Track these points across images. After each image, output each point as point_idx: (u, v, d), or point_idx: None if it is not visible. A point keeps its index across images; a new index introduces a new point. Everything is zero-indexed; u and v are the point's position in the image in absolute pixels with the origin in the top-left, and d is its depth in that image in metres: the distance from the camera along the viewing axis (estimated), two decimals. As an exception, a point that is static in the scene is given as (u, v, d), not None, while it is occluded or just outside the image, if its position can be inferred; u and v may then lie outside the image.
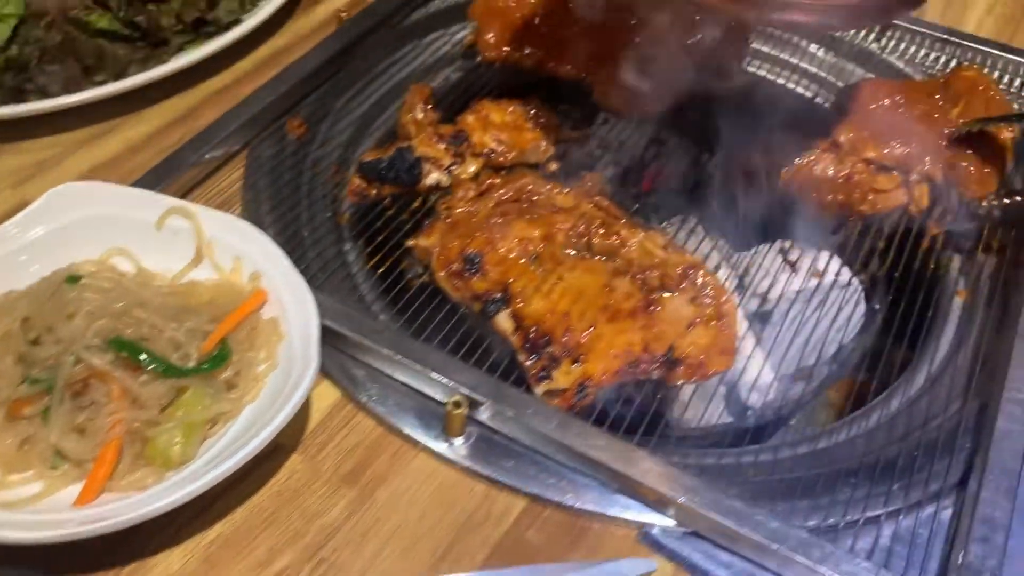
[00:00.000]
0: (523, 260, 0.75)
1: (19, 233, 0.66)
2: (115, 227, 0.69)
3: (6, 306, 0.61)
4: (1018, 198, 0.82)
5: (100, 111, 0.89)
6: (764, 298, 0.84)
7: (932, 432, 0.68)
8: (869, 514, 0.62)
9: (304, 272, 0.76)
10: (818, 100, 1.00)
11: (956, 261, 0.86)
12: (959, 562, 0.58)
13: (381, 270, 0.79)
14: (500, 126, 0.87)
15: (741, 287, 0.85)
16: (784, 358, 0.80)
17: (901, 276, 0.83)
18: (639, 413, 0.70)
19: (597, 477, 0.63)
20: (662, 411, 0.79)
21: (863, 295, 0.85)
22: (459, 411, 0.63)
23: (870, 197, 0.82)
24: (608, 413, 0.69)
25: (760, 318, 0.85)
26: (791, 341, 0.79)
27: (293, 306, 0.64)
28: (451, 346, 0.71)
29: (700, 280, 0.72)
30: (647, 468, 0.61)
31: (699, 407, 0.79)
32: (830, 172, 0.81)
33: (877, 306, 0.91)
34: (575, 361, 0.68)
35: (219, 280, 0.68)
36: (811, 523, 0.62)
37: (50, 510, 0.55)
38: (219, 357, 0.61)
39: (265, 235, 0.68)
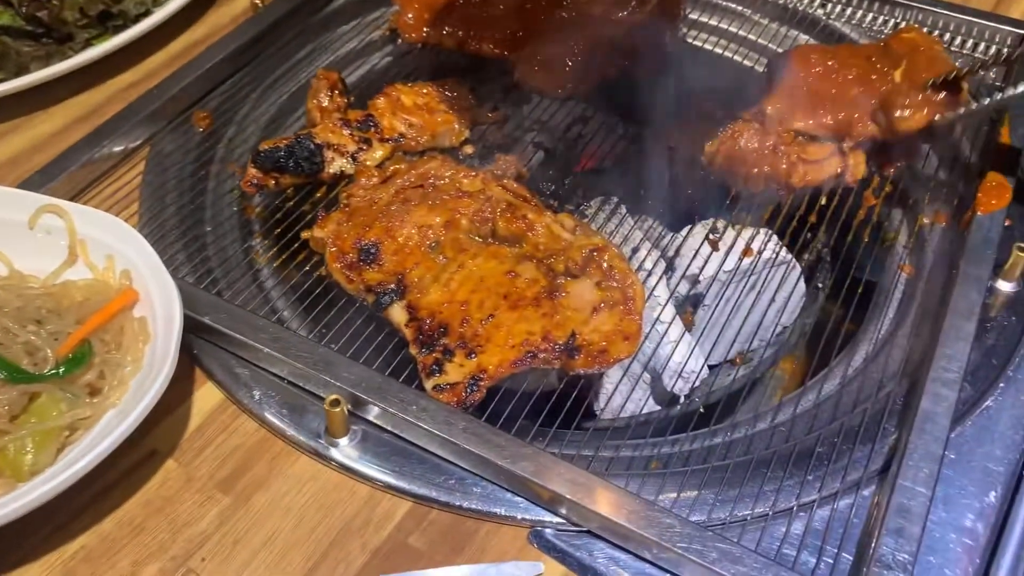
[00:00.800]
0: (423, 248, 0.71)
1: None
2: (-15, 228, 0.66)
3: None
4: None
5: (2, 110, 0.86)
6: (695, 280, 0.80)
7: (857, 417, 0.63)
8: (780, 507, 0.58)
9: (203, 272, 0.73)
10: (757, 69, 0.95)
11: (902, 236, 0.81)
12: (870, 554, 0.53)
13: (277, 264, 0.75)
14: (411, 109, 0.83)
15: (671, 269, 0.81)
16: (717, 342, 0.75)
17: (845, 253, 0.78)
18: (557, 405, 0.66)
19: (485, 476, 0.59)
20: (583, 400, 0.75)
21: (802, 274, 0.81)
22: (337, 410, 0.59)
23: (800, 169, 0.77)
24: (512, 408, 0.64)
25: (692, 301, 0.81)
26: (725, 324, 0.75)
27: (162, 304, 0.61)
28: (343, 343, 0.67)
29: (606, 263, 0.67)
30: (537, 464, 0.57)
31: (622, 395, 0.74)
32: (755, 144, 0.77)
33: (820, 285, 0.86)
34: (470, 353, 0.64)
35: (92, 280, 0.64)
36: (718, 517, 0.57)
37: None
38: (75, 360, 0.57)
39: (136, 232, 0.64)
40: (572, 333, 0.65)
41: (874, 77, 0.80)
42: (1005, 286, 0.72)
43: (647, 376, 0.77)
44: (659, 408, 0.78)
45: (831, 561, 0.55)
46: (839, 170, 0.78)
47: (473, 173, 0.75)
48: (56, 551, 0.56)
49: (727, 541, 0.53)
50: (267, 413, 0.63)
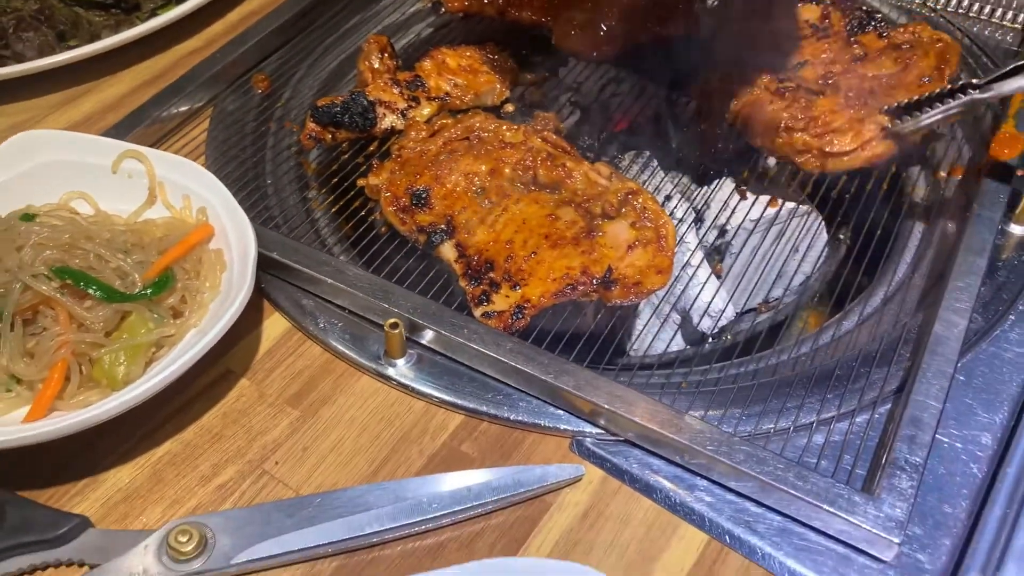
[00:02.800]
0: (469, 194, 0.76)
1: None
2: (73, 172, 0.72)
3: (-38, 241, 0.64)
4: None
5: (74, 75, 0.93)
6: (722, 230, 0.85)
7: (874, 345, 0.68)
8: (802, 422, 0.63)
9: (266, 217, 0.79)
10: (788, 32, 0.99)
11: (920, 188, 0.85)
12: (884, 459, 0.58)
13: (334, 210, 0.81)
14: (456, 70, 0.89)
15: (700, 221, 0.86)
16: (743, 287, 0.80)
17: (864, 203, 0.82)
18: (589, 345, 0.71)
19: (530, 392, 0.65)
20: (615, 339, 0.80)
21: (823, 225, 0.85)
22: (396, 332, 0.65)
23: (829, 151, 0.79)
24: (547, 347, 0.70)
25: (719, 250, 0.86)
26: (751, 271, 0.79)
27: (236, 237, 0.67)
28: (399, 278, 0.73)
29: (640, 205, 0.73)
30: (578, 379, 0.63)
31: (652, 334, 0.80)
32: (783, 114, 0.80)
33: (841, 235, 0.90)
34: (514, 286, 0.70)
35: (170, 218, 0.71)
36: (744, 430, 0.62)
37: (3, 426, 0.59)
38: (161, 283, 0.63)
39: (211, 174, 0.70)
40: (608, 268, 0.70)
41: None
42: (1017, 229, 0.76)
43: (676, 316, 0.82)
44: (687, 347, 0.83)
45: (848, 468, 0.60)
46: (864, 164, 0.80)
47: (515, 127, 0.81)
48: (145, 455, 0.62)
49: (754, 445, 0.58)
50: (330, 339, 0.69)
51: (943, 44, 0.84)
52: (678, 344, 0.82)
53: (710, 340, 0.81)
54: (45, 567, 0.56)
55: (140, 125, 0.84)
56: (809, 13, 0.90)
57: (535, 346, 0.65)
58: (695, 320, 0.80)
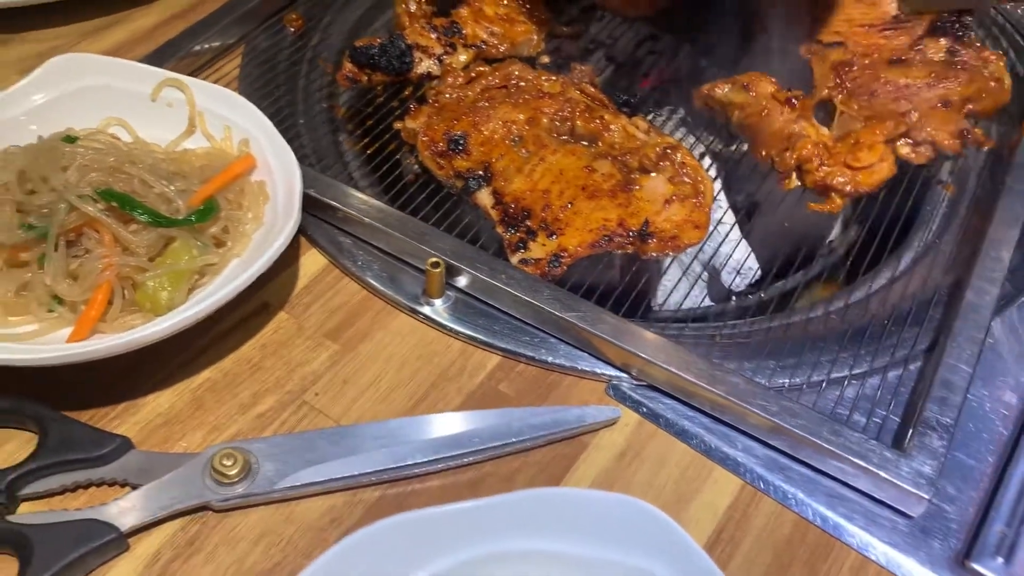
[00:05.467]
0: (507, 141, 0.76)
1: (22, 99, 0.69)
2: (112, 98, 0.71)
3: (4, 159, 0.64)
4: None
5: (106, 3, 0.92)
6: (753, 191, 0.85)
7: (905, 304, 0.69)
8: (835, 376, 0.64)
9: (300, 156, 0.78)
10: None
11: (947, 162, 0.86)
12: (915, 418, 0.59)
13: (370, 151, 0.81)
14: (492, 18, 0.88)
15: (729, 181, 0.86)
16: (767, 247, 0.81)
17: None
18: (616, 300, 0.72)
19: (565, 338, 0.65)
20: (645, 296, 0.81)
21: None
22: (437, 271, 0.66)
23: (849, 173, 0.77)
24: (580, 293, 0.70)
25: (747, 210, 0.86)
26: (776, 233, 0.80)
27: (279, 170, 0.67)
28: (433, 222, 0.73)
29: (679, 160, 0.73)
30: (614, 327, 0.63)
31: (681, 292, 0.80)
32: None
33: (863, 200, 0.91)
34: (551, 235, 0.70)
35: (210, 148, 0.70)
36: (777, 382, 0.63)
37: (46, 344, 0.59)
38: (205, 211, 0.63)
39: (254, 106, 0.70)
40: (645, 221, 0.70)
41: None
42: (1045, 202, 0.77)
43: (705, 275, 0.83)
44: (714, 304, 0.84)
45: (880, 421, 0.61)
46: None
47: (553, 77, 0.81)
48: (184, 382, 0.63)
49: (787, 398, 0.60)
50: (368, 277, 0.69)
51: (996, 85, 0.78)
52: (705, 302, 0.83)
53: (734, 299, 0.82)
54: (87, 485, 0.56)
55: (173, 57, 0.83)
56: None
57: (572, 294, 0.66)
58: (725, 278, 0.80)
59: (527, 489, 0.52)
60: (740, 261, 0.80)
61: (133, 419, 0.60)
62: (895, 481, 0.55)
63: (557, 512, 0.48)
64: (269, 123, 0.69)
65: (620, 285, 0.74)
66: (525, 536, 0.47)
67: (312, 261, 0.71)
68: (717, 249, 0.81)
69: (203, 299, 0.59)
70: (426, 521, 0.47)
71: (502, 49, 0.87)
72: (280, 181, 0.66)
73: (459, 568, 0.47)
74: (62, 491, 0.56)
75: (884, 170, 0.75)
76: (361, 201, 0.71)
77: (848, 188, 0.73)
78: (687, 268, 0.82)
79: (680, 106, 0.88)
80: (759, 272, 0.82)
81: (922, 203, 0.82)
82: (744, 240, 0.83)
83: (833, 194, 0.74)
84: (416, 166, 0.84)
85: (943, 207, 0.81)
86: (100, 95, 0.71)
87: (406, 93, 0.85)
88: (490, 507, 0.48)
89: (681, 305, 0.82)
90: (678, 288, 0.82)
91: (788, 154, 0.75)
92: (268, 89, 0.85)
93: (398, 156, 0.80)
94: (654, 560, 0.47)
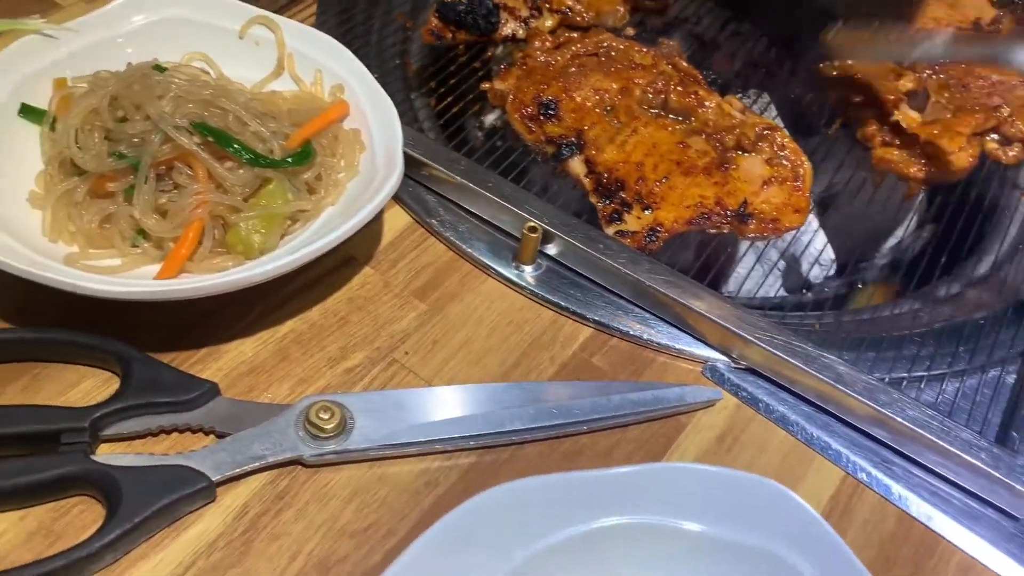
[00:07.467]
0: (598, 110, 0.74)
1: (118, 21, 0.66)
2: (196, 32, 0.68)
3: (96, 84, 0.60)
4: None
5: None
6: (830, 182, 0.84)
7: (1000, 304, 0.68)
8: (935, 372, 0.63)
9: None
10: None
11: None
12: (1018, 419, 0.58)
13: (454, 112, 0.79)
14: (579, -14, 0.86)
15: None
16: (842, 242, 0.80)
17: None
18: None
19: (662, 315, 0.63)
20: (719, 279, 0.79)
21: (924, 190, 0.85)
22: (534, 235, 0.63)
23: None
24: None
25: (824, 203, 0.85)
26: (853, 228, 0.79)
27: (376, 120, 0.64)
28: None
29: (779, 142, 0.71)
30: (715, 306, 0.61)
31: (757, 280, 0.79)
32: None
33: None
34: (646, 208, 0.68)
35: (298, 92, 0.67)
36: (876, 375, 0.62)
37: (131, 279, 0.56)
38: (303, 154, 0.60)
39: (350, 52, 0.67)
40: (744, 201, 0.69)
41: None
42: None
43: (781, 263, 0.81)
44: (789, 295, 0.82)
45: (981, 419, 0.60)
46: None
47: (643, 49, 0.79)
48: (268, 330, 0.60)
49: (895, 391, 0.58)
50: (455, 238, 0.67)
51: None
52: (775, 290, 0.81)
53: (807, 291, 0.81)
54: (171, 430, 0.53)
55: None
56: (983, 13, 0.88)
57: (673, 269, 0.64)
58: (804, 268, 0.79)
59: (658, 463, 0.50)
60: (819, 251, 0.79)
61: (216, 365, 0.58)
62: (1008, 481, 0.54)
63: (686, 488, 0.46)
64: (366, 71, 0.66)
65: (691, 269, 0.72)
66: (658, 511, 0.45)
67: (396, 217, 0.68)
68: (795, 237, 0.79)
69: (299, 246, 0.57)
70: (556, 486, 0.45)
71: (587, 17, 0.85)
72: (376, 132, 0.63)
73: (586, 536, 0.45)
74: (145, 434, 0.53)
75: (963, 159, 0.74)
76: (452, 159, 0.68)
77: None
78: (761, 254, 0.80)
79: (765, 91, 0.87)
80: (835, 264, 0.80)
81: (997, 209, 0.81)
82: (822, 230, 0.81)
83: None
84: (493, 124, 0.82)
85: (1020, 214, 0.80)
86: (185, 28, 0.68)
87: (488, 54, 0.82)
88: (624, 477, 0.46)
89: (755, 293, 0.80)
90: (752, 275, 0.80)
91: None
92: (346, 40, 0.81)
93: (471, 113, 0.77)
94: (794, 552, 0.45)
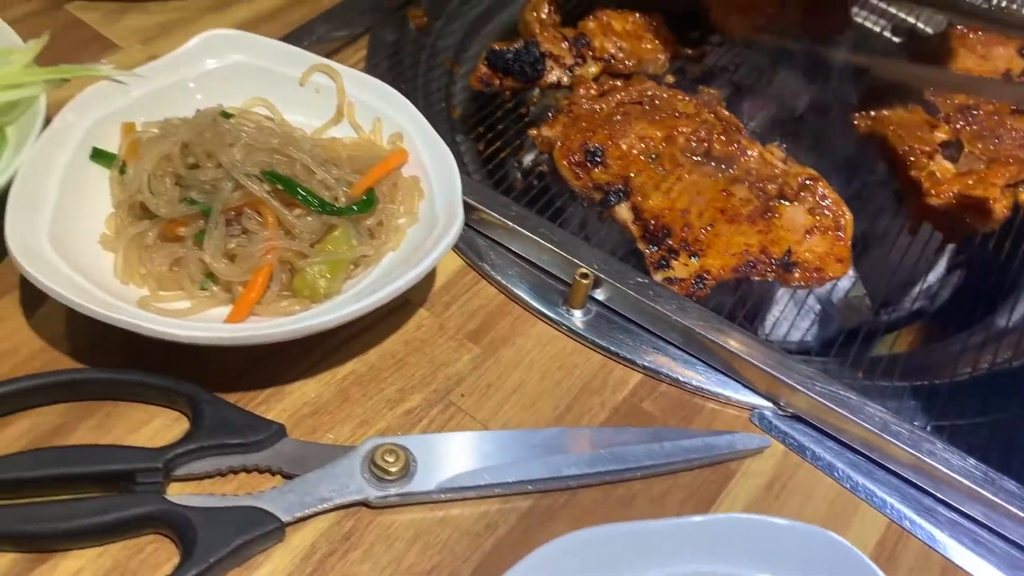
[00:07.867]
0: (643, 158, 0.76)
1: (188, 66, 0.68)
2: (259, 78, 0.70)
3: (167, 130, 0.62)
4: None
5: (226, -20, 0.91)
6: (865, 231, 0.85)
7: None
8: (979, 419, 0.64)
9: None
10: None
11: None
12: (1063, 470, 0.59)
13: (498, 155, 0.81)
14: (620, 34, 0.88)
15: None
16: (877, 287, 0.81)
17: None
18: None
19: (710, 362, 0.65)
20: (755, 323, 0.81)
21: (958, 239, 0.87)
22: (586, 281, 0.65)
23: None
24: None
25: (861, 249, 0.87)
26: (888, 274, 0.81)
27: (434, 168, 0.66)
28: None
29: (821, 192, 0.73)
30: (763, 354, 0.63)
31: (789, 322, 0.80)
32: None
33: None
34: (692, 255, 0.70)
35: (358, 139, 0.70)
36: (918, 423, 0.63)
37: (201, 322, 0.58)
38: (367, 202, 0.62)
39: (407, 100, 0.69)
40: (788, 250, 0.70)
41: None
42: None
43: (816, 306, 0.83)
44: (830, 340, 0.84)
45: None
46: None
47: (686, 98, 0.81)
48: (329, 372, 0.62)
49: (939, 440, 0.59)
50: (507, 281, 0.68)
51: None
52: (812, 335, 0.83)
53: (849, 337, 0.82)
54: (239, 471, 0.55)
55: (305, 41, 0.82)
56: (1012, 64, 0.90)
57: (720, 316, 0.66)
58: (837, 309, 0.81)
59: (723, 513, 0.52)
60: (857, 297, 0.81)
61: (279, 406, 0.59)
62: (1053, 534, 0.55)
63: (757, 539, 0.48)
64: (424, 120, 0.68)
65: (725, 311, 0.74)
66: (733, 561, 0.47)
67: (449, 260, 0.70)
68: (835, 284, 0.81)
69: (364, 291, 0.59)
70: (635, 533, 0.47)
71: (629, 64, 0.87)
72: (435, 179, 0.66)
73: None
74: (214, 474, 0.55)
75: (999, 210, 0.77)
76: (501, 203, 0.71)
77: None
78: (794, 294, 0.81)
79: (802, 139, 0.89)
80: (872, 309, 0.82)
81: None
82: (859, 278, 0.83)
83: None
84: (518, 172, 0.84)
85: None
86: (247, 73, 0.70)
87: (533, 101, 0.85)
88: (698, 526, 0.47)
89: (786, 336, 0.82)
90: (785, 316, 0.82)
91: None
92: (395, 85, 0.84)
93: (517, 160, 0.80)
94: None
